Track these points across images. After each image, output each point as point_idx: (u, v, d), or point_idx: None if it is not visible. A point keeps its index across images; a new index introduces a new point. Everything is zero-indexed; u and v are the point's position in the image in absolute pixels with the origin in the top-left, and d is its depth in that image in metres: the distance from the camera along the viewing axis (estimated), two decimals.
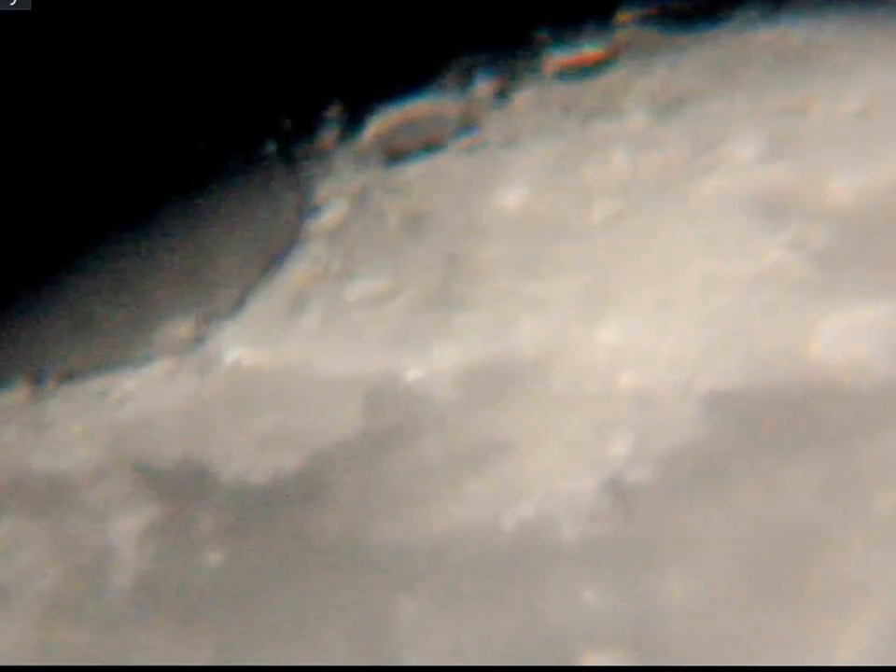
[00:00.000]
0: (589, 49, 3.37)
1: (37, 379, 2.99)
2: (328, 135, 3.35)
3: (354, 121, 3.34)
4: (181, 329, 3.07)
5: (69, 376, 3.00)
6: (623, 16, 3.38)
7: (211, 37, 3.35)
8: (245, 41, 3.36)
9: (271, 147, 3.32)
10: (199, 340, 3.01)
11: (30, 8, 3.25)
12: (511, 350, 2.95)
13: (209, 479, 2.81)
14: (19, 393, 3.02)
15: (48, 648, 2.64)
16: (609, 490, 2.70)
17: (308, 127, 3.34)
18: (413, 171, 3.27)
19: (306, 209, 3.21)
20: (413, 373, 2.93)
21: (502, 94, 3.35)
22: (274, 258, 3.13)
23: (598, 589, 2.59)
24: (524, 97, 3.35)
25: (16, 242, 3.13)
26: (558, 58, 3.38)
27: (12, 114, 3.25)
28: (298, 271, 3.14)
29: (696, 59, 3.33)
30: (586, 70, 3.36)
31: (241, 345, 3.04)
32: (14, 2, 3.27)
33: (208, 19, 3.34)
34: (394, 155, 3.29)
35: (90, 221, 3.17)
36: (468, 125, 3.32)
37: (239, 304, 3.08)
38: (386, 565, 2.67)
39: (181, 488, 2.79)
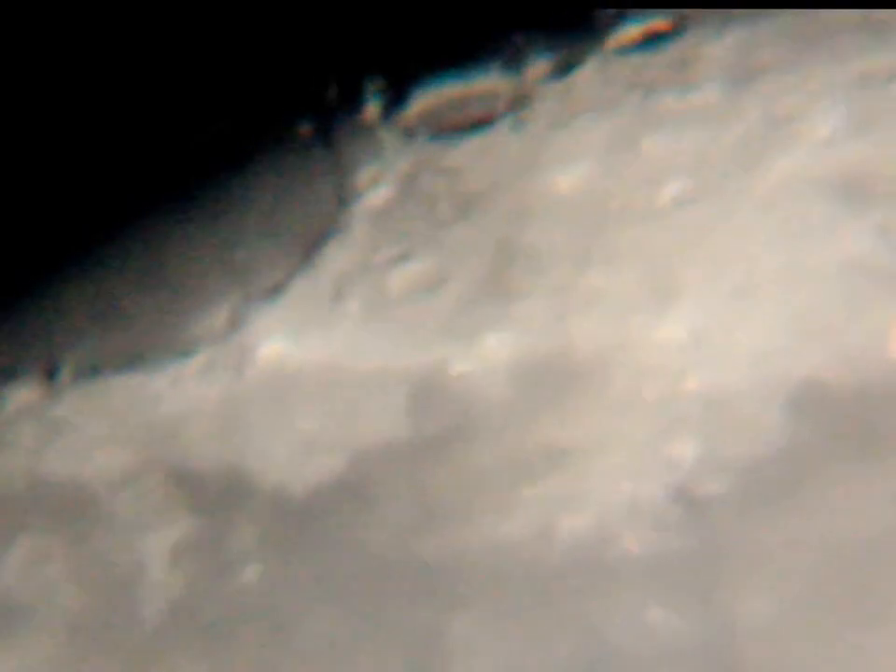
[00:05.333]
0: (655, 21, 3.18)
1: (55, 373, 2.81)
2: (371, 111, 3.17)
3: (398, 97, 3.17)
4: (213, 319, 2.90)
5: (91, 370, 2.83)
6: None
7: (245, 9, 3.19)
8: (282, 11, 3.20)
9: (309, 125, 3.15)
10: (232, 331, 2.84)
11: None
12: (568, 344, 2.78)
13: (247, 487, 2.64)
14: (34, 389, 2.84)
15: None
16: (678, 501, 2.54)
17: (350, 102, 3.17)
18: (463, 149, 3.10)
19: (348, 190, 3.04)
20: (462, 368, 2.76)
21: (559, 69, 3.15)
22: (314, 243, 2.97)
23: (666, 607, 2.44)
24: (583, 72, 3.16)
25: (35, 223, 2.99)
26: (621, 33, 3.20)
27: (35, 95, 3.12)
28: (339, 257, 2.97)
29: (771, 28, 3.15)
30: (651, 43, 3.16)
31: (278, 338, 2.87)
32: None
33: None
34: (442, 132, 3.11)
35: (115, 203, 3.02)
36: (521, 102, 3.13)
37: (276, 293, 2.91)
38: (439, 580, 2.52)
39: (217, 498, 2.63)
